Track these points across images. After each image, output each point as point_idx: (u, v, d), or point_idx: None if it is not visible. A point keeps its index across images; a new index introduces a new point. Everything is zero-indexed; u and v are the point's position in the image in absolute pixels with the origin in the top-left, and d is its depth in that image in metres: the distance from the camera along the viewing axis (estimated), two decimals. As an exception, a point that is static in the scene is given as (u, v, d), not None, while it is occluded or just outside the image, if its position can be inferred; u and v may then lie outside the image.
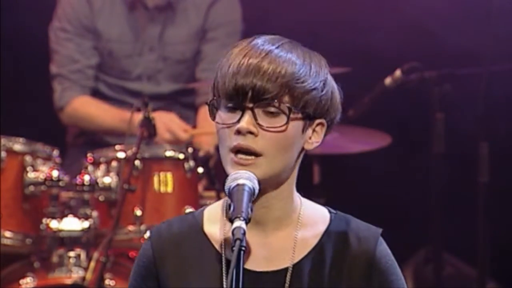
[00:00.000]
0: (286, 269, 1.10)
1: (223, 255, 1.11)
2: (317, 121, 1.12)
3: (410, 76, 4.16)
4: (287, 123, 1.06)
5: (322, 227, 1.14)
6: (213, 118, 1.12)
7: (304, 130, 1.10)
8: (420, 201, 4.70)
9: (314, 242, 1.12)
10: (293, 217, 1.14)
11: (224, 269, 1.09)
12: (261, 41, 1.10)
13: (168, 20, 4.50)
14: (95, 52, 4.47)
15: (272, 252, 1.10)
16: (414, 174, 4.98)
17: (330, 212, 1.18)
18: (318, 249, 1.11)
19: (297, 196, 1.16)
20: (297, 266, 1.09)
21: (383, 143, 4.28)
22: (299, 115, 1.08)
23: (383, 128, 4.37)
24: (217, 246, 1.13)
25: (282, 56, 1.06)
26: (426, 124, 4.33)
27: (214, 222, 1.17)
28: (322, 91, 1.09)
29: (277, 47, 1.08)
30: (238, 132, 1.03)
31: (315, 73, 1.09)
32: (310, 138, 1.12)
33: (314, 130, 1.12)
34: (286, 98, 1.05)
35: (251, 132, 1.03)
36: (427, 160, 4.28)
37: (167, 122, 4.14)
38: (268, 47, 1.07)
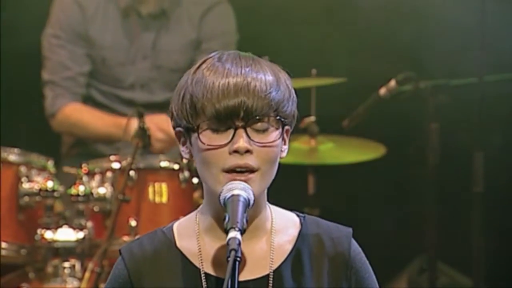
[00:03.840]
0: (267, 276, 1.10)
1: (201, 269, 1.11)
2: (285, 128, 1.14)
3: (405, 86, 4.17)
4: (280, 137, 1.09)
5: (295, 232, 1.16)
6: (184, 143, 1.13)
7: (281, 140, 1.12)
8: (415, 210, 4.71)
9: (290, 247, 1.13)
10: (267, 225, 1.15)
11: (204, 283, 1.10)
12: (230, 61, 1.10)
13: (162, 28, 4.50)
14: (87, 60, 4.47)
15: (251, 260, 1.10)
16: (408, 184, 4.98)
17: (298, 216, 1.20)
18: (295, 253, 1.13)
19: (267, 203, 1.18)
20: (277, 272, 1.10)
21: (378, 153, 4.29)
22: (281, 128, 1.11)
23: (377, 138, 4.39)
24: (194, 261, 1.12)
25: (259, 74, 1.07)
26: (421, 135, 4.34)
27: (187, 237, 1.16)
28: (293, 102, 1.13)
29: (249, 65, 1.09)
30: (235, 151, 1.03)
31: (286, 86, 1.12)
32: (282, 146, 1.14)
33: (283, 138, 1.14)
34: (272, 114, 1.07)
35: (248, 151, 1.04)
36: (422, 170, 4.29)
37: (159, 122, 4.14)
38: (243, 68, 1.08)
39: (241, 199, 0.99)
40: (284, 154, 1.14)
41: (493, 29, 4.12)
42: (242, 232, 0.95)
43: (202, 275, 1.10)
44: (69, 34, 4.43)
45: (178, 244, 1.14)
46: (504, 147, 4.77)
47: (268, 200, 1.18)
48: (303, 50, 4.89)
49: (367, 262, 1.20)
